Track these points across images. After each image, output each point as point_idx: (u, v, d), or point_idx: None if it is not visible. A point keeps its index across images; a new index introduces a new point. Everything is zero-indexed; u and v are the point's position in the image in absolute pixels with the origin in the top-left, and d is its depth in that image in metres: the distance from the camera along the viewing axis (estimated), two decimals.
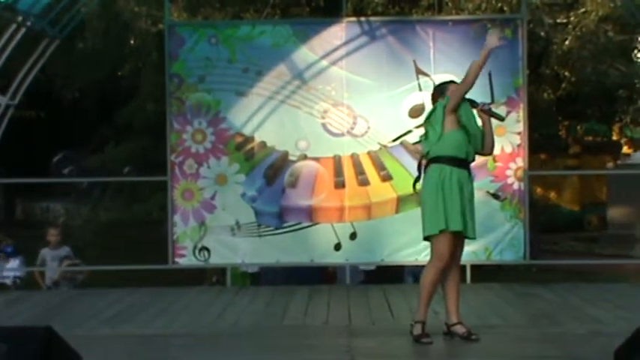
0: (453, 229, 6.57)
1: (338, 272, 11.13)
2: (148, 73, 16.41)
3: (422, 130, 9.52)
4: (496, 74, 9.73)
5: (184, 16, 14.80)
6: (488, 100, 9.63)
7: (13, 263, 12.02)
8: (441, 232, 6.58)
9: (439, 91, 6.95)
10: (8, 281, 12.02)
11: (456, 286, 6.82)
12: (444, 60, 9.81)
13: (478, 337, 6.72)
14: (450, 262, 6.68)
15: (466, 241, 8.68)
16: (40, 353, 5.05)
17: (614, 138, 23.56)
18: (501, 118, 7.02)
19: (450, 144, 6.66)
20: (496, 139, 9.50)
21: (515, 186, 9.82)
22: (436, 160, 6.70)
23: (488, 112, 6.83)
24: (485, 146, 6.87)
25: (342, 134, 9.91)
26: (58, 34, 10.01)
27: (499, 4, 13.80)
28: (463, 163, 6.69)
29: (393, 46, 9.90)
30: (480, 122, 6.86)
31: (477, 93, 9.66)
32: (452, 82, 7.10)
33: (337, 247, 9.89)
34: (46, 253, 11.60)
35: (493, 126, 8.77)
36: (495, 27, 6.69)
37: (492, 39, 6.53)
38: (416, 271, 11.55)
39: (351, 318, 7.93)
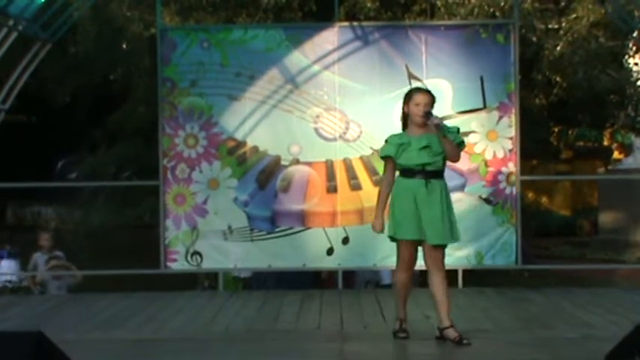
0: (401, 237, 6.89)
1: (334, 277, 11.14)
2: (140, 78, 16.42)
3: None
4: (488, 79, 9.80)
5: (177, 21, 14.79)
6: (481, 105, 9.77)
7: (8, 266, 12.01)
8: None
9: (404, 99, 7.05)
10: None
11: (442, 291, 6.85)
12: (436, 65, 9.82)
13: (469, 342, 6.73)
14: (412, 266, 6.99)
15: (459, 246, 8.89)
16: (30, 358, 5.03)
17: (606, 143, 23.64)
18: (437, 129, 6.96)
19: (403, 159, 6.87)
20: (488, 144, 9.70)
21: (507, 191, 9.82)
22: (399, 172, 6.98)
23: (436, 126, 6.80)
24: (447, 155, 6.88)
25: (335, 139, 9.90)
26: (50, 38, 9.99)
27: (491, 10, 13.84)
28: (420, 174, 6.82)
29: (386, 51, 9.91)
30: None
31: (470, 98, 9.79)
32: (415, 89, 7.22)
33: (329, 251, 9.88)
34: (38, 257, 11.57)
35: (485, 130, 9.09)
36: None
37: None
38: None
39: (343, 322, 7.93)
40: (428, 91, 7.03)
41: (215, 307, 8.83)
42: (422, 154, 6.80)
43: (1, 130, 9.86)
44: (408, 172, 6.85)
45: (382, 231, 7.01)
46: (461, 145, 6.99)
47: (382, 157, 7.07)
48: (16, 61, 9.91)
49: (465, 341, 6.73)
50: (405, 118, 6.99)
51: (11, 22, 9.31)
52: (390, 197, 6.97)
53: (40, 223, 21.66)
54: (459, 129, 7.13)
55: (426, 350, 6.73)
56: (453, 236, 6.93)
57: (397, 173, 6.98)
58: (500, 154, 9.79)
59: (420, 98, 6.90)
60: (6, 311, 8.73)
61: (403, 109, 6.99)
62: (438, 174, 6.88)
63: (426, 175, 6.80)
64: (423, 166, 6.80)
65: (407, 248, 6.89)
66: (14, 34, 9.40)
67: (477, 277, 10.88)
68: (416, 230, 6.80)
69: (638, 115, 18.89)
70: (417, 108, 6.86)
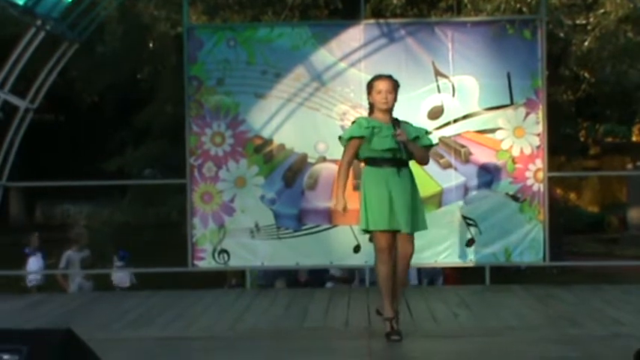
0: (375, 229, 6.78)
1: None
2: (167, 76, 16.44)
3: (440, 132, 9.62)
4: (515, 75, 9.76)
5: (203, 19, 14.82)
6: (508, 102, 9.73)
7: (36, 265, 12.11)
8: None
9: (367, 89, 7.08)
10: (29, 283, 12.10)
11: (395, 283, 6.81)
12: (462, 61, 9.79)
13: (398, 339, 6.71)
14: (392, 256, 6.79)
15: (486, 243, 8.91)
16: (60, 355, 5.05)
17: (634, 139, 23.49)
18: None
19: (375, 143, 6.82)
20: (515, 140, 9.66)
21: (535, 187, 9.77)
22: (365, 161, 6.96)
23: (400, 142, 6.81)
24: (415, 159, 7.00)
25: None
26: (77, 38, 10.03)
27: (518, 5, 13.76)
28: (389, 161, 6.79)
29: (412, 48, 9.88)
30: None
31: (497, 94, 9.74)
32: (376, 77, 7.06)
33: (356, 249, 9.86)
34: (71, 255, 11.62)
35: (512, 126, 9.04)
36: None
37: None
38: (433, 274, 11.60)
39: (371, 320, 7.91)
40: (389, 77, 7.02)
41: (242, 305, 8.85)
42: (393, 141, 6.75)
43: (29, 130, 9.91)
44: (376, 162, 6.82)
45: (346, 210, 6.90)
46: (429, 147, 7.12)
47: (349, 138, 6.94)
48: (43, 61, 9.97)
49: (392, 337, 6.73)
50: (372, 107, 7.01)
51: (39, 22, 9.37)
52: (361, 189, 6.92)
53: (70, 221, 21.77)
54: (426, 130, 7.35)
55: (455, 348, 6.70)
56: (421, 225, 6.90)
57: (362, 165, 7.02)
58: (527, 151, 9.74)
59: (381, 85, 6.93)
60: (36, 309, 8.80)
61: (368, 99, 7.02)
62: (406, 163, 6.86)
63: (396, 163, 6.79)
64: (394, 152, 6.77)
65: (383, 237, 6.75)
66: (42, 34, 9.46)
67: (504, 275, 10.84)
68: (390, 220, 6.72)
69: None
70: (380, 95, 6.90)
